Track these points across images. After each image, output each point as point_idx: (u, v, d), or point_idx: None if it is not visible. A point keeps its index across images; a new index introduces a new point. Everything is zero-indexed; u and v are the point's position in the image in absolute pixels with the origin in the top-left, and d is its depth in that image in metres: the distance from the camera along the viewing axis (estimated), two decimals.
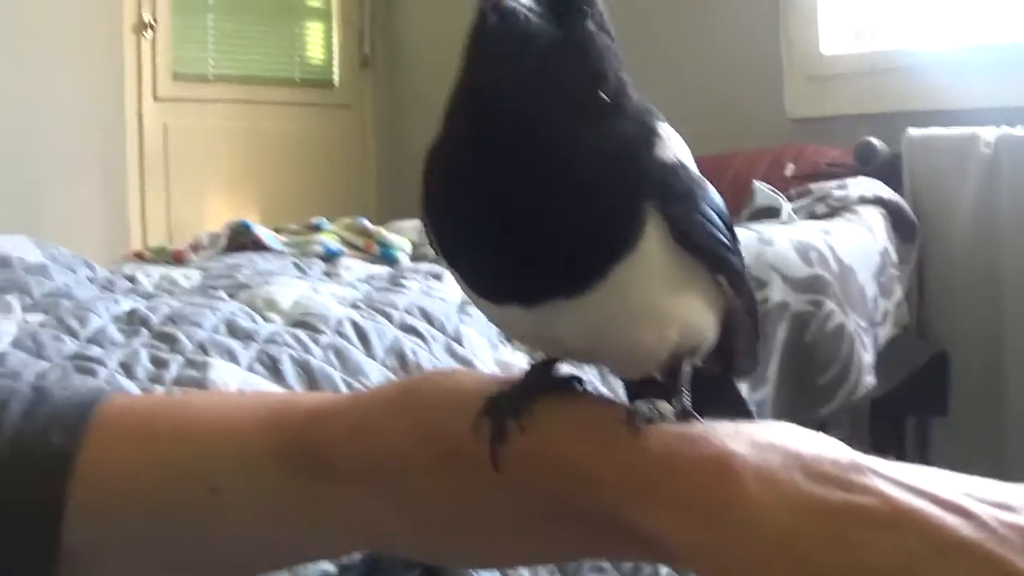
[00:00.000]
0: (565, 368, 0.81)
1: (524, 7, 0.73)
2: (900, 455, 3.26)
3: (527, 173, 0.69)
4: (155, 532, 0.82)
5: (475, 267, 0.74)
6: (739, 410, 0.93)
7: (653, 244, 0.71)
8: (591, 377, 1.03)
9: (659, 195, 0.72)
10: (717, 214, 0.78)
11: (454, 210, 0.73)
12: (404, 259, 2.84)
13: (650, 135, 0.75)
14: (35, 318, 1.82)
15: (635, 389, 0.88)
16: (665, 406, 0.71)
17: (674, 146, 0.76)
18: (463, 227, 0.72)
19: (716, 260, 0.77)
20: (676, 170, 0.75)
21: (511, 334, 0.82)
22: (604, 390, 1.13)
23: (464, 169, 0.71)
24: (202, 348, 1.62)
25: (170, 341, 1.64)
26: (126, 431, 0.84)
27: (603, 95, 0.73)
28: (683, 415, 0.72)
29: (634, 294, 0.72)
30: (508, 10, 0.73)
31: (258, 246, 2.79)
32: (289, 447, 0.80)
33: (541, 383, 0.77)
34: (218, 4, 4.97)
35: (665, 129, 0.77)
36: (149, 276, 2.33)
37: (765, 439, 0.67)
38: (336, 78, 5.44)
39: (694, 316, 0.79)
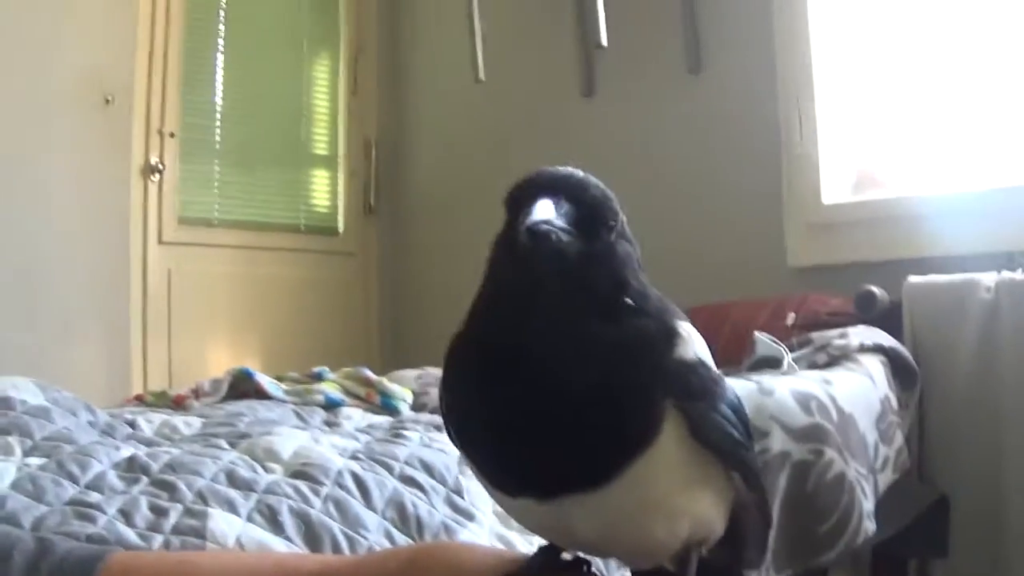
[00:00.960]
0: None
1: (556, 227, 0.75)
2: None
3: (553, 370, 0.70)
4: None
5: (491, 461, 0.75)
6: None
7: (671, 441, 0.73)
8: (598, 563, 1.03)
9: (678, 392, 0.74)
10: (734, 411, 0.79)
11: (475, 404, 0.75)
12: (405, 409, 2.83)
13: (671, 334, 0.77)
14: (35, 461, 1.82)
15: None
16: None
17: (694, 344, 0.78)
18: (482, 421, 0.73)
19: (732, 458, 0.78)
20: (696, 368, 0.77)
21: (524, 525, 0.82)
22: None
23: (490, 366, 0.73)
24: (201, 497, 1.62)
25: (170, 489, 1.64)
26: None
27: (627, 299, 0.75)
28: None
29: (650, 488, 0.73)
30: (543, 233, 0.74)
31: (260, 394, 2.78)
32: None
33: (549, 564, 0.77)
34: (225, 150, 5.01)
35: (685, 328, 0.78)
36: (150, 422, 2.33)
37: None
38: (341, 225, 5.46)
39: (706, 510, 0.79)
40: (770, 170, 4.12)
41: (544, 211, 0.77)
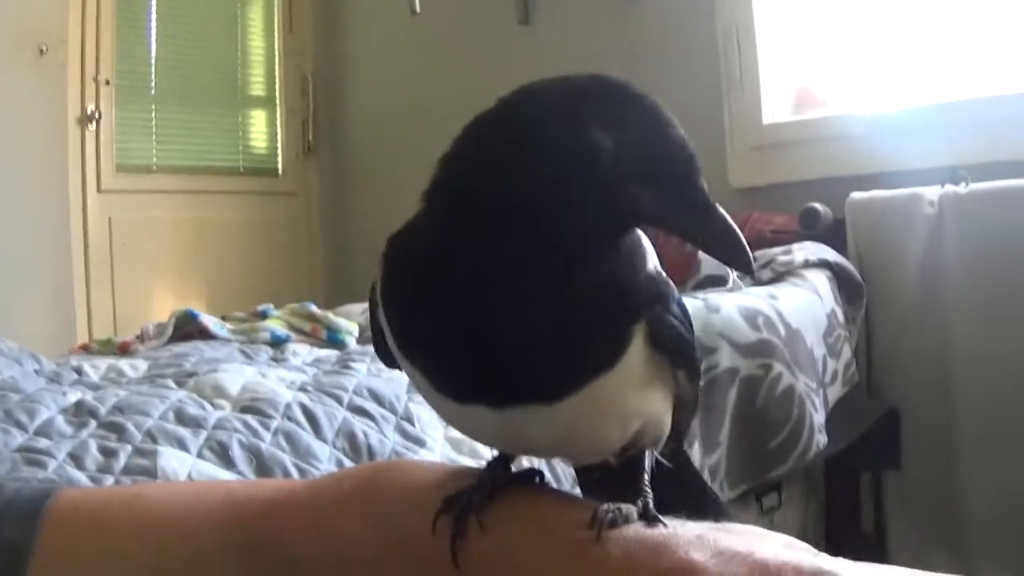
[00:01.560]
0: (524, 461, 0.80)
1: None
2: (855, 509, 3.29)
3: (528, 282, 0.68)
4: None
5: (442, 365, 0.72)
6: (703, 497, 0.91)
7: (635, 352, 0.72)
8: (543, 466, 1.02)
9: (647, 303, 0.73)
10: (682, 311, 0.78)
11: (428, 304, 0.72)
12: (351, 342, 2.83)
13: (638, 249, 0.75)
14: None
15: (586, 475, 0.88)
16: (629, 508, 0.70)
17: (652, 252, 0.77)
18: (435, 323, 0.70)
19: (682, 358, 0.77)
20: (654, 277, 0.76)
21: (469, 434, 0.81)
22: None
23: (453, 264, 0.70)
24: (151, 436, 1.61)
25: (118, 431, 1.63)
26: (80, 525, 0.83)
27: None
28: (647, 516, 0.70)
29: (608, 398, 0.71)
30: None
31: (205, 335, 2.77)
32: (247, 542, 0.80)
33: (499, 478, 0.76)
34: (161, 95, 4.97)
35: (642, 235, 0.77)
36: (96, 368, 2.31)
37: (729, 547, 0.66)
38: (280, 166, 5.44)
39: (657, 409, 0.79)
40: (710, 93, 4.11)
41: None
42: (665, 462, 0.84)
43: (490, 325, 0.68)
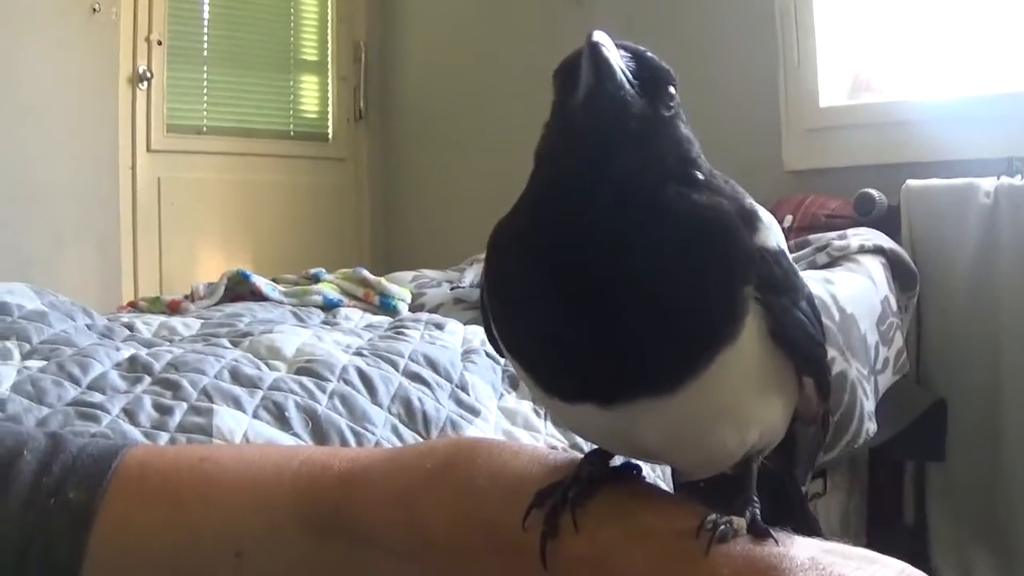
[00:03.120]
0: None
1: (624, 85, 0.69)
2: (898, 500, 3.27)
3: (625, 256, 0.65)
4: None
5: (549, 363, 0.69)
6: (802, 511, 0.86)
7: (752, 340, 0.67)
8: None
9: (762, 284, 0.68)
10: (812, 309, 0.73)
11: (532, 298, 0.68)
12: (404, 309, 2.83)
13: (752, 217, 0.71)
14: (35, 364, 1.80)
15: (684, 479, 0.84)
16: (740, 522, 0.66)
17: (775, 231, 0.72)
18: (540, 318, 0.67)
19: (810, 363, 0.73)
20: (779, 258, 0.71)
21: (580, 433, 0.76)
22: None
23: (550, 253, 0.67)
24: (206, 394, 1.61)
25: (173, 388, 1.63)
26: (148, 490, 0.82)
27: (699, 174, 0.70)
28: (755, 530, 0.66)
29: (726, 392, 0.67)
30: (613, 89, 0.70)
31: (256, 296, 2.77)
32: (321, 514, 0.78)
33: (597, 473, 0.73)
34: (213, 57, 4.96)
35: (765, 213, 0.72)
36: (148, 324, 2.32)
37: (843, 575, 0.62)
38: (331, 131, 5.43)
39: (776, 417, 0.74)
40: (767, 75, 4.09)
41: (605, 56, 0.72)
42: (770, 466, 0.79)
43: (587, 306, 0.65)
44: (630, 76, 0.71)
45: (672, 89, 0.73)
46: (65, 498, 0.80)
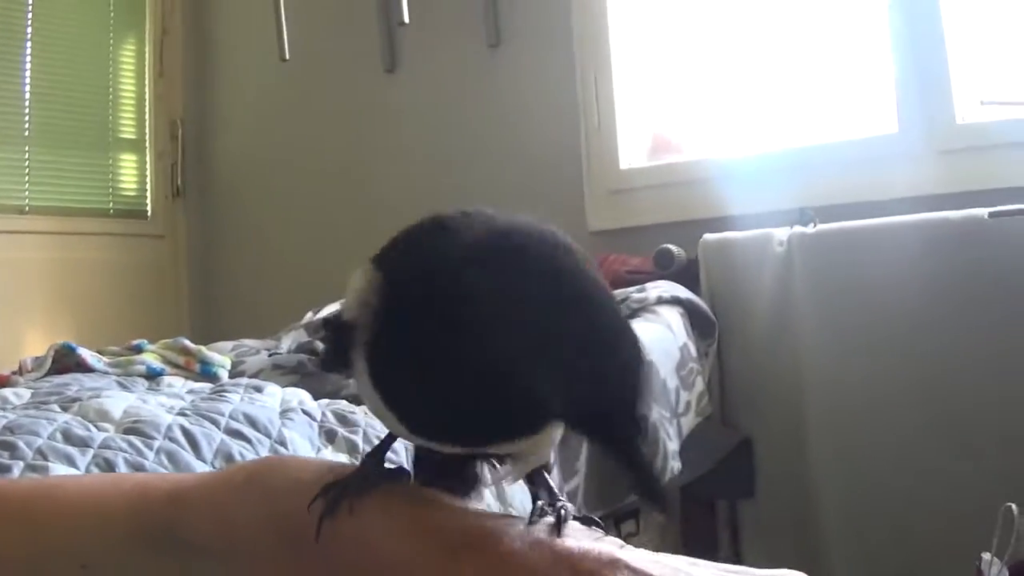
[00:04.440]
0: (395, 458, 0.91)
1: None
2: (712, 536, 3.40)
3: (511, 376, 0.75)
4: None
5: (429, 421, 0.82)
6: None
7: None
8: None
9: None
10: None
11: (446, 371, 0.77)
12: (224, 375, 2.90)
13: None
14: None
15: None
16: (570, 506, 0.83)
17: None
18: (453, 387, 0.77)
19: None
20: None
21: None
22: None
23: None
24: (41, 454, 1.69)
25: (10, 448, 1.69)
26: (5, 513, 0.91)
27: None
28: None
29: (547, 436, 0.82)
30: None
31: (82, 367, 2.81)
32: (154, 529, 0.88)
33: (375, 472, 0.85)
34: (34, 136, 4.98)
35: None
36: None
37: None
38: (149, 208, 5.48)
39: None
40: (570, 138, 4.25)
41: None
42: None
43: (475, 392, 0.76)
44: None
45: None
46: None
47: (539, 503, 0.83)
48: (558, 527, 0.79)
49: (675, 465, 2.80)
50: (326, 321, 0.89)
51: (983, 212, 3.03)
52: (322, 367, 0.84)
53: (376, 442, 2.05)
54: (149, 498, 0.90)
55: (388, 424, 0.86)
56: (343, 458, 2.04)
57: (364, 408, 2.32)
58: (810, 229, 3.35)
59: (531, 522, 0.80)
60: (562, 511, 0.81)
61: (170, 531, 0.87)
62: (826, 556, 3.25)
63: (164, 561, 0.87)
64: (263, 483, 0.87)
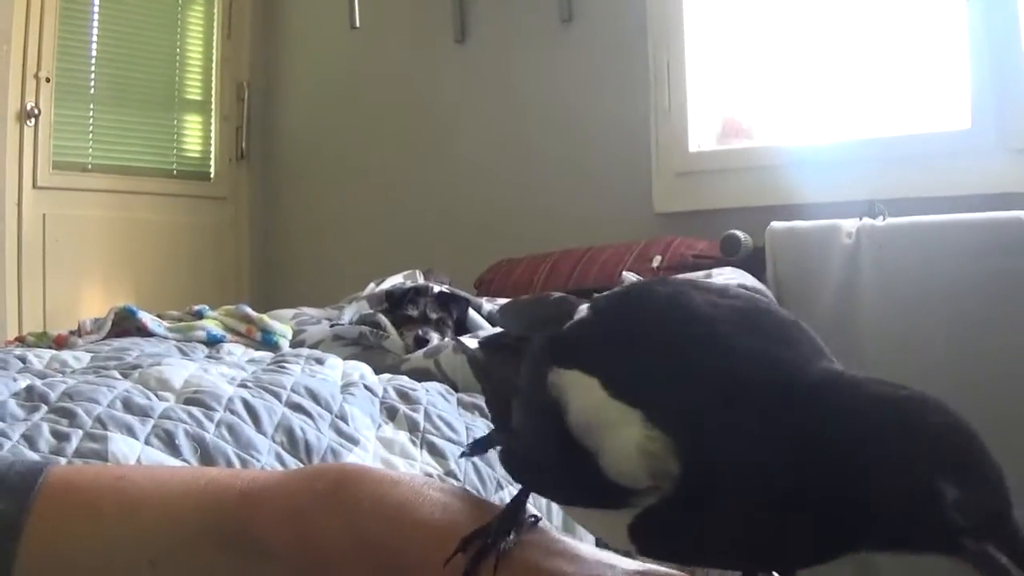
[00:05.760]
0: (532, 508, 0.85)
1: None
2: None
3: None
4: None
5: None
6: None
7: None
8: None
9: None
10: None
11: None
12: (285, 344, 2.89)
13: None
14: None
15: None
16: None
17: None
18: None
19: None
20: None
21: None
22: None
23: None
24: (100, 422, 1.68)
25: (69, 416, 1.69)
26: (72, 504, 0.88)
27: None
28: None
29: None
30: None
31: (142, 331, 2.81)
32: (225, 528, 0.85)
33: (517, 523, 0.80)
34: (100, 95, 4.99)
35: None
36: (40, 357, 2.37)
37: None
38: (213, 171, 5.49)
39: None
40: (639, 119, 4.22)
41: None
42: None
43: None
44: None
45: None
46: None
47: None
48: None
49: None
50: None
51: None
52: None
53: (449, 431, 2.03)
54: (222, 496, 0.88)
55: (608, 540, 0.77)
56: (403, 435, 2.02)
57: (425, 385, 2.30)
58: (879, 222, 3.31)
59: None
60: None
61: (244, 532, 0.85)
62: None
63: (235, 560, 0.85)
64: (349, 501, 0.84)
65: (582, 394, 0.69)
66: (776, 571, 0.72)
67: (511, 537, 0.78)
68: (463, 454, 1.92)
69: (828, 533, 0.65)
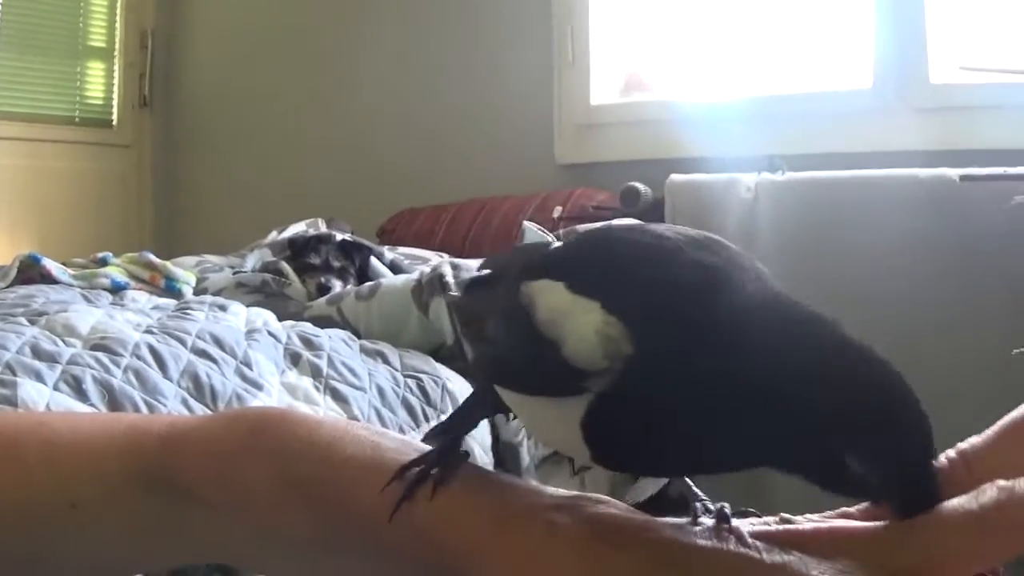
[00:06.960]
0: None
1: None
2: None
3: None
4: (17, 548, 0.87)
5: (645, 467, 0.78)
6: None
7: None
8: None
9: None
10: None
11: None
12: (188, 292, 2.91)
13: None
14: None
15: None
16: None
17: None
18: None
19: None
20: None
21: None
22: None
23: None
24: (10, 368, 1.70)
25: None
26: None
27: None
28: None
29: None
30: None
31: (46, 279, 2.81)
32: (147, 472, 0.85)
33: (454, 457, 0.80)
34: (2, 42, 4.93)
35: None
36: None
37: None
38: (115, 118, 5.45)
39: None
40: (542, 71, 4.25)
41: None
42: None
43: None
44: None
45: None
46: None
47: (697, 503, 0.76)
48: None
49: None
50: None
51: (954, 174, 3.03)
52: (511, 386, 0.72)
53: (352, 376, 2.07)
54: (143, 440, 0.87)
55: (565, 450, 0.82)
56: (307, 381, 2.06)
57: (328, 332, 2.34)
58: (779, 177, 3.36)
59: (694, 522, 0.74)
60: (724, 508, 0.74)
61: (169, 478, 0.84)
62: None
63: (158, 503, 0.85)
64: (275, 442, 0.83)
65: (549, 296, 0.74)
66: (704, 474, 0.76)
67: (451, 468, 0.78)
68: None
69: (748, 446, 0.69)
